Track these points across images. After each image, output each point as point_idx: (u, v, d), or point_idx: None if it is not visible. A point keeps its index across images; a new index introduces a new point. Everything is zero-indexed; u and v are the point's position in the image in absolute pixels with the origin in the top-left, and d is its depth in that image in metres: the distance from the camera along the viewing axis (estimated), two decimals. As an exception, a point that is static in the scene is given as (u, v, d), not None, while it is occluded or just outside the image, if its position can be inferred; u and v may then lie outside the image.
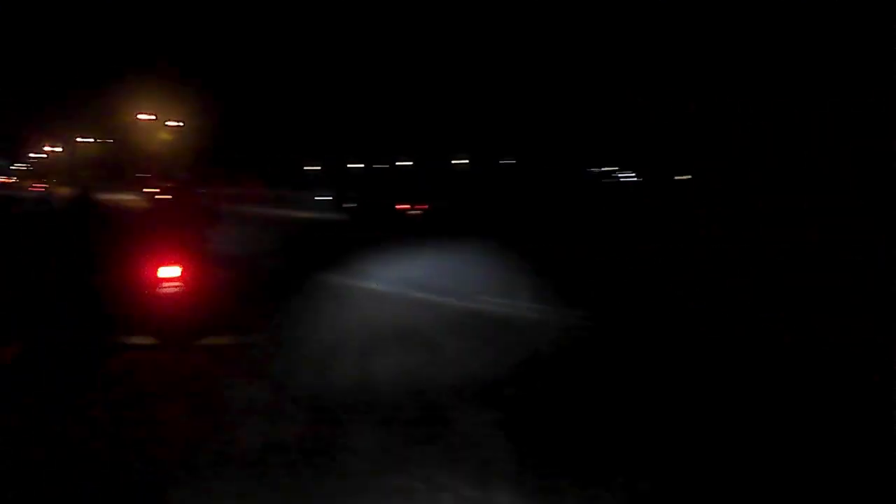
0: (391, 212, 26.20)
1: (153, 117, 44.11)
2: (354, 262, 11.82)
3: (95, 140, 56.49)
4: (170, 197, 7.78)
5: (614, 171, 29.13)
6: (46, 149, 65.64)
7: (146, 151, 44.52)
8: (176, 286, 6.74)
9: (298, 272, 11.30)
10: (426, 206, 25.99)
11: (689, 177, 26.03)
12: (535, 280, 9.64)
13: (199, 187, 9.32)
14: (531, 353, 6.29)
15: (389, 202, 26.66)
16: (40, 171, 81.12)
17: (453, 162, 32.56)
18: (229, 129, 39.73)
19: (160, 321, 6.63)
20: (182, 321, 6.60)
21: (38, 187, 50.04)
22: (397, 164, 33.68)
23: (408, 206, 26.32)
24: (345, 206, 28.10)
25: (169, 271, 6.72)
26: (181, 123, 43.73)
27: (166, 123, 43.68)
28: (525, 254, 12.64)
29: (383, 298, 9.26)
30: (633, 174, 28.94)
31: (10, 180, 72.33)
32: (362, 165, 35.72)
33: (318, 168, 37.63)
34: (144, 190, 44.93)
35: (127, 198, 45.36)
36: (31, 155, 73.50)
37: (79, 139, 56.31)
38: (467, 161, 32.54)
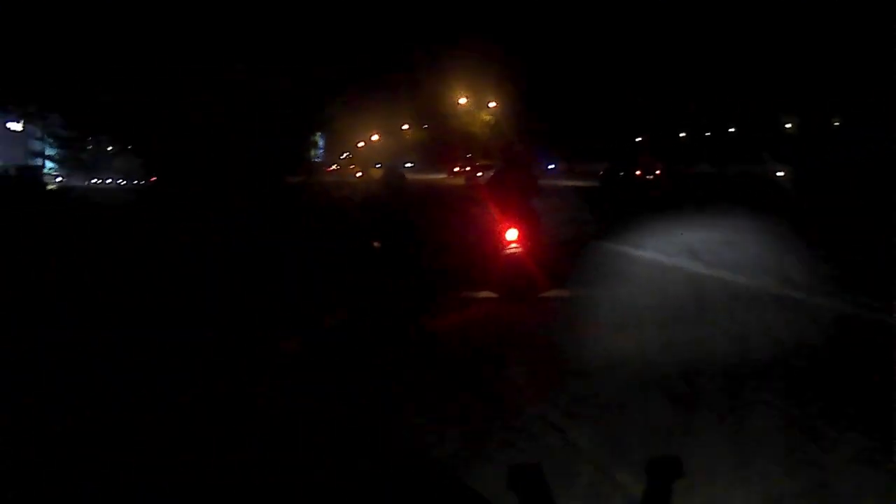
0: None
1: (464, 100, 47.34)
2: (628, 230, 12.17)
3: (413, 127, 62.88)
4: (505, 172, 8.47)
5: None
6: (374, 138, 73.91)
7: (464, 134, 48.36)
8: (516, 247, 7.66)
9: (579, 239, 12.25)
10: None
11: None
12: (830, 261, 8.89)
13: (526, 164, 9.68)
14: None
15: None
16: (359, 158, 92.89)
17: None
18: (543, 109, 41.33)
19: (505, 279, 7.74)
20: (522, 278, 7.63)
21: (357, 173, 57.09)
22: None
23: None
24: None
25: (511, 234, 7.72)
26: (494, 104, 46.40)
27: (489, 105, 46.53)
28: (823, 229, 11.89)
29: (665, 268, 9.27)
30: None
31: (334, 168, 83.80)
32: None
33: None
34: (454, 169, 49.77)
35: (438, 177, 49.90)
36: (360, 144, 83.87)
37: (404, 126, 62.95)
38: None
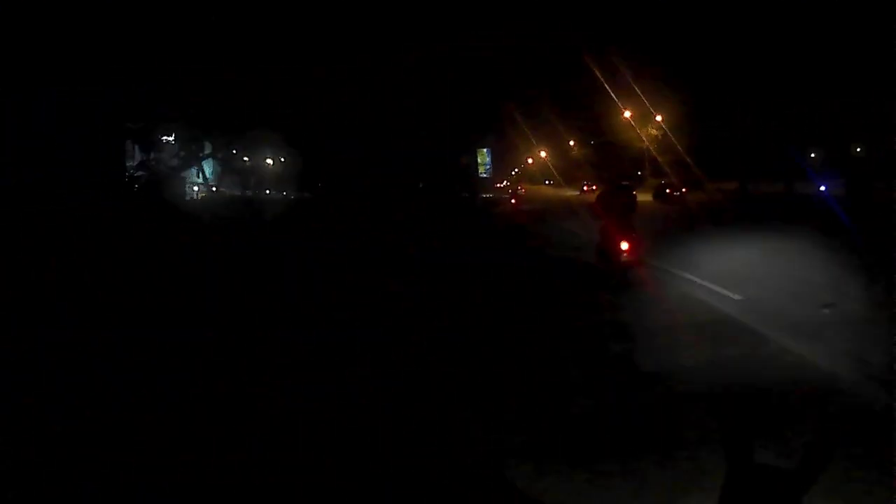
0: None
1: (628, 114, 45.42)
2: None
3: (579, 143, 61.56)
4: (615, 192, 10.81)
5: None
6: (542, 155, 73.60)
7: (631, 150, 46.48)
8: (627, 255, 9.80)
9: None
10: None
11: None
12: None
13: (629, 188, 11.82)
14: None
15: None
16: (526, 174, 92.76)
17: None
18: (712, 121, 38.49)
19: (619, 276, 9.91)
20: (631, 277, 9.86)
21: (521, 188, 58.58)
22: None
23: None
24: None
25: (624, 244, 9.81)
26: (660, 118, 44.08)
27: (655, 118, 44.42)
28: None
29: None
30: None
31: (503, 184, 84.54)
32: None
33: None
34: (583, 188, 48.58)
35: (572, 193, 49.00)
36: (529, 161, 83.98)
37: (571, 142, 61.97)
38: None
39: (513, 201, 35.11)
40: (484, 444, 4.17)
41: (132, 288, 9.49)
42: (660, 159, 42.67)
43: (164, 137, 43.93)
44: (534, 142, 67.36)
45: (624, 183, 12.24)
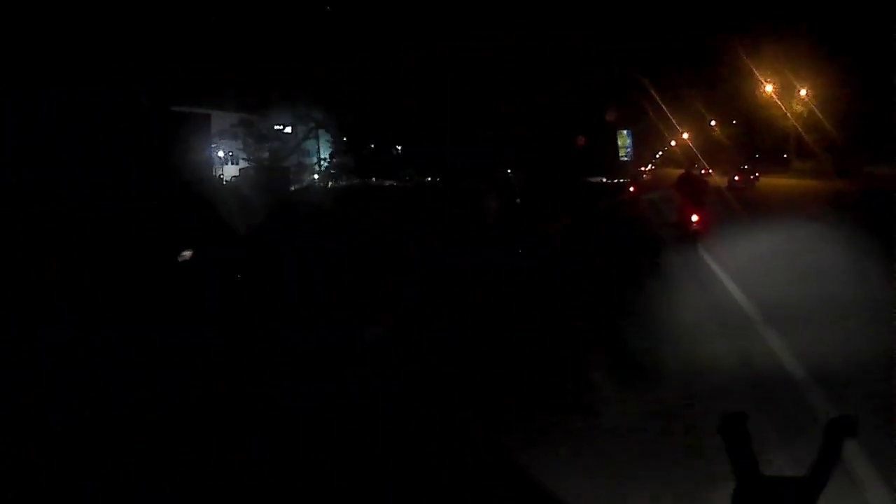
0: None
1: (770, 88, 40.42)
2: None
3: (720, 123, 56.30)
4: (690, 177, 13.05)
5: None
6: (685, 136, 68.57)
7: (777, 128, 41.33)
8: (697, 224, 11.85)
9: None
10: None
11: None
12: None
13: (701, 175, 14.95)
14: None
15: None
16: (671, 158, 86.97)
17: None
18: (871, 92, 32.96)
19: (690, 243, 11.94)
20: (696, 236, 11.89)
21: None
22: None
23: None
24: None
25: (694, 217, 11.92)
26: (806, 92, 38.80)
27: (800, 93, 39.17)
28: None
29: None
30: None
31: (647, 168, 79.66)
32: None
33: None
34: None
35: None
36: (672, 143, 78.67)
37: (712, 122, 56.86)
38: None
39: (631, 189, 29.15)
40: (484, 443, 4.20)
41: (128, 288, 9.39)
42: (808, 138, 37.77)
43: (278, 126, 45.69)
44: (676, 124, 62.92)
45: (695, 171, 14.48)
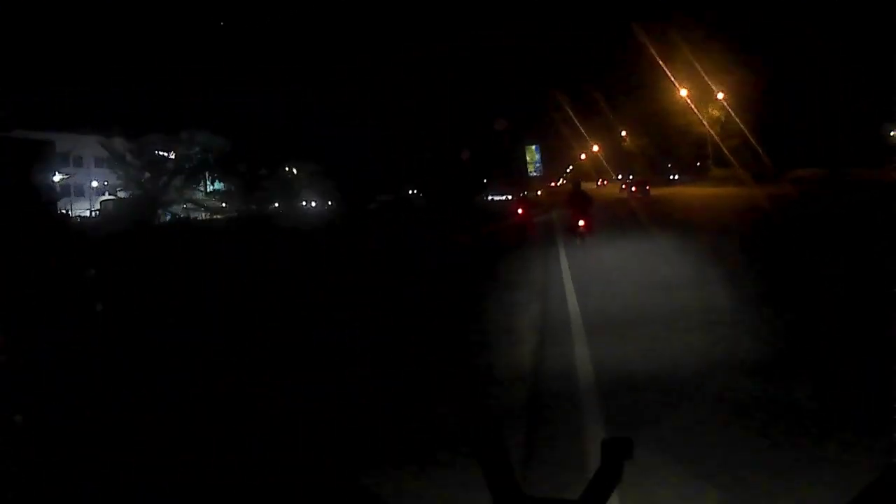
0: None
1: (685, 93, 39.01)
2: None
3: (631, 133, 55.09)
4: (577, 191, 16.02)
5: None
6: (594, 149, 67.67)
7: (693, 135, 39.71)
8: (583, 227, 14.97)
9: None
10: None
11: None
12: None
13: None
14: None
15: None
16: (582, 171, 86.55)
17: None
18: (788, 95, 31.44)
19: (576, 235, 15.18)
20: (582, 236, 14.98)
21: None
22: None
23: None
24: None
25: (581, 222, 15.07)
26: (723, 96, 37.33)
27: (716, 97, 37.56)
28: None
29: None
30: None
31: (557, 183, 78.60)
32: None
33: None
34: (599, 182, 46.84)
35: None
36: (582, 156, 77.84)
37: (623, 133, 55.55)
38: None
39: (519, 211, 21.33)
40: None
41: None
42: (725, 145, 36.22)
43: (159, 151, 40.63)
44: (586, 136, 61.56)
45: (580, 185, 17.00)
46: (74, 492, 3.69)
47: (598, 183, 62.79)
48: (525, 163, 77.58)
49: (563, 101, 53.61)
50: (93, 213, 33.53)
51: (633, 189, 36.09)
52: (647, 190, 35.25)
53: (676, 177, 42.47)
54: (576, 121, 54.87)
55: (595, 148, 67.27)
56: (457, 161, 34.47)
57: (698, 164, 44.25)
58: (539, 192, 52.86)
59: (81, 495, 3.65)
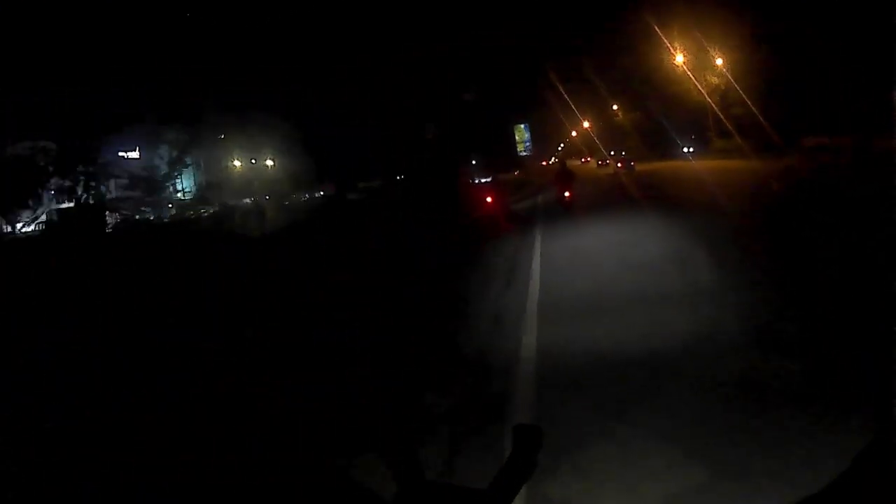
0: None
1: (681, 59, 36.66)
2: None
3: (623, 107, 52.78)
4: (563, 168, 19.03)
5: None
6: (585, 125, 65.46)
7: (692, 105, 37.37)
8: (568, 198, 17.50)
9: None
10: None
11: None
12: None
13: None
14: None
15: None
16: (573, 149, 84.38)
17: None
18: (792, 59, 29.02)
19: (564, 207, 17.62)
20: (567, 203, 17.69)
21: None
22: None
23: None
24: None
25: (566, 193, 17.74)
26: (722, 62, 34.92)
27: (717, 62, 35.09)
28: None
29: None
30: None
31: (549, 162, 76.57)
32: None
33: None
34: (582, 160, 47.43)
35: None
36: (573, 133, 75.61)
37: (614, 107, 53.23)
38: None
39: (488, 199, 19.70)
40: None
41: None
42: (727, 114, 33.99)
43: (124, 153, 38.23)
44: (577, 113, 59.20)
45: (566, 164, 19.47)
46: (74, 492, 3.65)
47: (582, 160, 69.07)
48: (514, 142, 75.39)
49: (552, 76, 51.33)
50: (38, 227, 30.35)
51: (620, 165, 38.72)
52: (633, 166, 36.46)
53: (691, 149, 39.98)
54: (566, 97, 52.56)
55: (586, 124, 65.06)
56: (426, 141, 31.87)
57: (692, 136, 42.13)
58: (517, 173, 50.71)
59: (81, 495, 3.62)
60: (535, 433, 1.29)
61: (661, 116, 40.94)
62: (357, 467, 3.75)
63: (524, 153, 78.43)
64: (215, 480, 3.62)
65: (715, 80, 34.92)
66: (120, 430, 4.34)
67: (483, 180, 34.49)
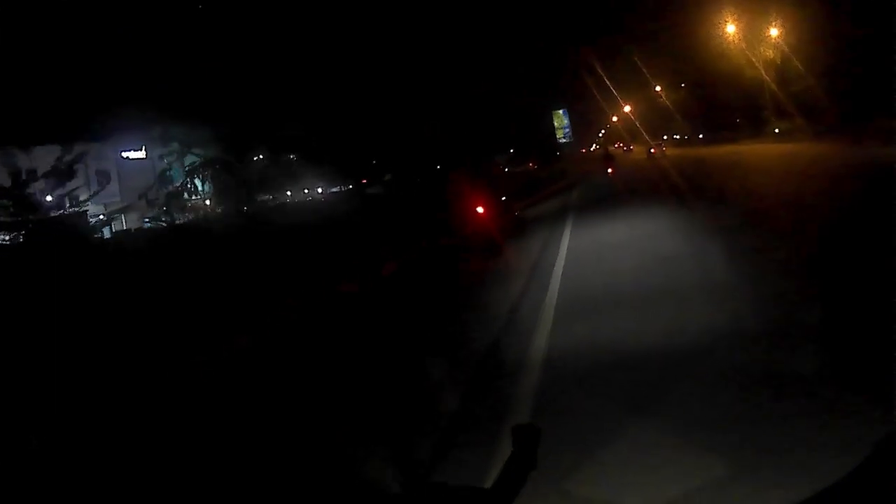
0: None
1: (732, 28, 32.90)
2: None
3: (667, 88, 48.92)
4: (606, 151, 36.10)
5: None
6: (626, 109, 61.75)
7: (744, 82, 33.47)
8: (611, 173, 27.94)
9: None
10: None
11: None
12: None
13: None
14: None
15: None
16: (614, 135, 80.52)
17: None
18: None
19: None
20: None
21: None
22: None
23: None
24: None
25: (609, 169, 29.16)
26: (778, 33, 30.99)
27: (769, 34, 31.14)
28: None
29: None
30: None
31: (592, 149, 72.95)
32: None
33: None
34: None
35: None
36: (614, 118, 71.85)
37: (657, 88, 49.37)
38: None
39: (479, 210, 12.87)
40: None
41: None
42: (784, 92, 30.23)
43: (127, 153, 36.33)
44: (618, 97, 55.47)
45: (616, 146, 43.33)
46: (74, 492, 3.66)
47: (617, 146, 71.37)
48: (553, 129, 71.83)
49: (591, 59, 47.97)
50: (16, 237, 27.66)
51: (652, 151, 44.26)
52: (664, 150, 43.67)
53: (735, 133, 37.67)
54: (606, 80, 49.10)
55: (627, 109, 61.29)
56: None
57: (738, 119, 38.37)
58: (532, 165, 46.95)
59: (81, 495, 3.64)
60: (532, 432, 1.36)
61: (707, 96, 37.27)
62: (359, 466, 3.56)
63: (564, 140, 74.95)
64: (215, 480, 3.58)
65: (769, 53, 30.99)
66: (120, 429, 4.28)
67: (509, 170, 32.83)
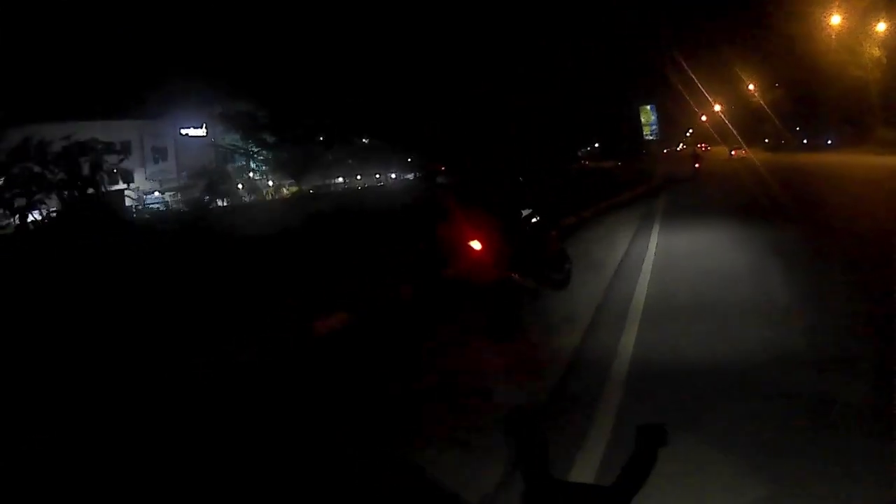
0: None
1: (837, 20, 29.65)
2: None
3: (760, 87, 45.33)
4: (696, 151, 35.66)
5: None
6: (716, 108, 58.20)
7: (848, 81, 30.03)
8: (697, 169, 30.00)
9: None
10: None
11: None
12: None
13: None
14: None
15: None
16: (700, 135, 76.37)
17: None
18: None
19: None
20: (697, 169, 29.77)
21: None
22: None
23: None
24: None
25: (696, 165, 30.24)
26: (885, 27, 27.59)
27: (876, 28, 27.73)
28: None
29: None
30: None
31: (678, 148, 69.18)
32: None
33: None
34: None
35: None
36: (703, 118, 67.91)
37: (750, 87, 45.82)
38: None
39: (475, 247, 6.34)
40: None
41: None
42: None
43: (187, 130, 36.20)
44: (708, 95, 51.99)
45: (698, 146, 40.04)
46: (74, 492, 3.60)
47: (699, 146, 68.95)
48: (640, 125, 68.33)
49: (680, 54, 45.03)
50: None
51: (733, 153, 50.07)
52: (743, 153, 46.62)
53: (829, 141, 35.31)
54: (693, 77, 45.95)
55: (717, 108, 57.58)
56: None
57: (832, 125, 34.87)
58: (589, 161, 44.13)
59: (81, 495, 3.57)
60: (659, 432, 1.44)
61: (805, 97, 33.99)
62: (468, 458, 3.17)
63: (650, 137, 71.48)
64: (215, 480, 3.49)
65: (876, 51, 27.57)
66: (120, 429, 4.16)
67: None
